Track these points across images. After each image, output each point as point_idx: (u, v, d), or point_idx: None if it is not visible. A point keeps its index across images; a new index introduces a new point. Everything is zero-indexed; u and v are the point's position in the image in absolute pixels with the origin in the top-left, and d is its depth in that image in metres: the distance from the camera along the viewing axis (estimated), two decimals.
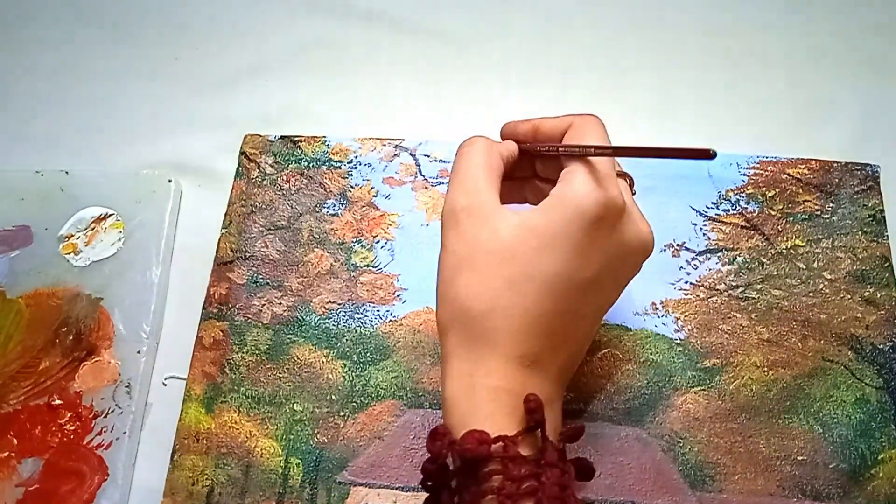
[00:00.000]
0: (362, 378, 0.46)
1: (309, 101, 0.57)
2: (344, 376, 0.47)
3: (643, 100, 0.55)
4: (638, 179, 0.41)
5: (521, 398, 0.34)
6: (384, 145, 0.53)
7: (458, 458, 0.33)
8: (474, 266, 0.35)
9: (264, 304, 0.49)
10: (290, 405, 0.46)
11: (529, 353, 0.35)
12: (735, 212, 0.50)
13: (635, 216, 0.37)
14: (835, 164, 0.50)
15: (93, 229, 0.51)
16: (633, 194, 0.40)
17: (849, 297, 0.47)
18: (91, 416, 0.46)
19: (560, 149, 0.37)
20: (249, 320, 0.48)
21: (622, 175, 0.39)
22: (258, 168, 0.53)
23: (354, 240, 0.50)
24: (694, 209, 0.50)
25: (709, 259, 0.48)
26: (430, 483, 0.35)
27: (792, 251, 0.48)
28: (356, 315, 0.48)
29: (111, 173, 0.53)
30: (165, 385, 0.48)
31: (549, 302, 0.35)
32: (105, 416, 0.46)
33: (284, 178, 0.53)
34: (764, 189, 0.50)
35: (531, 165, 0.41)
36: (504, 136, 0.42)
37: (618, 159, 0.39)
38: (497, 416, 0.33)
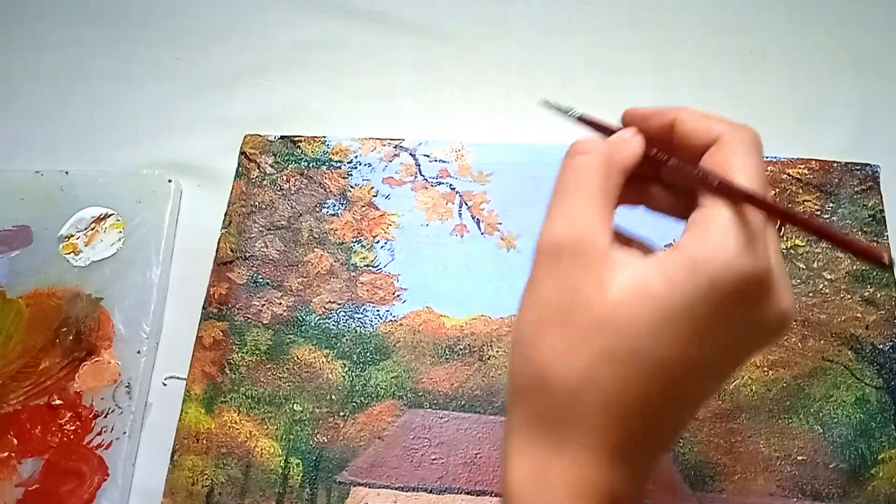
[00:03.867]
0: (362, 378, 0.46)
1: (309, 101, 0.57)
2: (344, 376, 0.47)
3: (643, 100, 0.54)
4: None
5: (605, 497, 0.28)
6: (384, 145, 0.53)
7: None
8: (567, 325, 0.28)
9: (264, 304, 0.49)
10: (290, 405, 0.46)
11: (621, 443, 0.28)
12: None
13: (781, 286, 0.28)
14: (835, 164, 0.50)
15: (93, 229, 0.51)
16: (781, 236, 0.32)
17: (849, 297, 0.47)
18: (91, 416, 0.46)
19: (699, 174, 0.29)
20: (249, 320, 0.48)
21: (773, 214, 0.29)
22: (258, 168, 0.53)
23: (354, 240, 0.50)
24: None
25: None
26: None
27: (792, 251, 0.48)
28: (356, 315, 0.48)
29: (111, 173, 0.53)
30: (165, 385, 0.48)
31: (655, 386, 0.28)
32: (105, 416, 0.46)
33: (284, 178, 0.53)
34: None
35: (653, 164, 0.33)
36: (626, 124, 0.33)
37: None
38: None
